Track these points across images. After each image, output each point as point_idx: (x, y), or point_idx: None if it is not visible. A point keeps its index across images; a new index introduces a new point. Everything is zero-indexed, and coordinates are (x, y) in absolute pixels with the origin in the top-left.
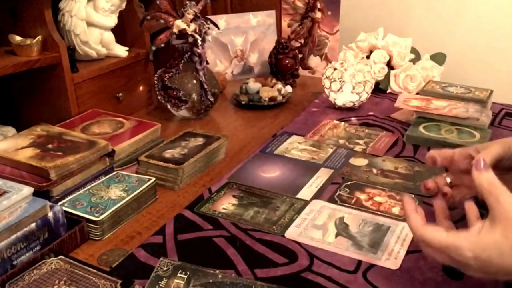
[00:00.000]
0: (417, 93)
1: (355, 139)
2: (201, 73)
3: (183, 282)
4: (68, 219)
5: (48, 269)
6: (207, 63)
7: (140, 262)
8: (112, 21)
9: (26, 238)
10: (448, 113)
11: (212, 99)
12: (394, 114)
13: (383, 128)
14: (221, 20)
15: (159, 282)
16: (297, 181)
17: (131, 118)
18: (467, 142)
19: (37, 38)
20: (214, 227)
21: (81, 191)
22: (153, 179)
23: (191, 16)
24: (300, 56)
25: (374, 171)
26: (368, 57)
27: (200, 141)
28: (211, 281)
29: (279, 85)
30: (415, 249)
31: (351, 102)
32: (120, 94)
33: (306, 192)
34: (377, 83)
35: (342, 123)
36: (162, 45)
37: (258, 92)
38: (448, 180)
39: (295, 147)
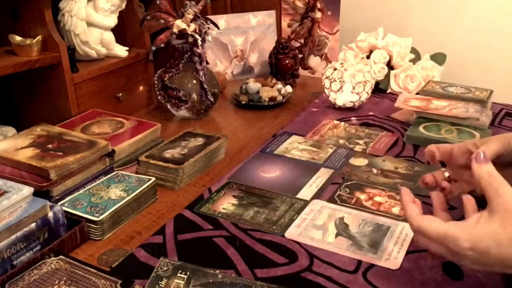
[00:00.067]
0: (417, 93)
1: (355, 139)
2: (201, 73)
3: (183, 282)
4: (68, 219)
5: (48, 269)
6: (207, 63)
7: (140, 262)
8: (112, 21)
9: (26, 238)
10: (448, 113)
11: (212, 99)
12: (394, 114)
13: (383, 128)
14: (221, 20)
15: (159, 282)
16: (297, 181)
17: (131, 118)
18: None
19: (37, 38)
20: (214, 227)
21: (81, 191)
22: (153, 179)
23: (191, 16)
24: (300, 56)
25: (374, 171)
26: (368, 57)
27: (200, 141)
28: (211, 281)
29: (279, 85)
30: (415, 249)
31: (351, 102)
32: (120, 94)
33: (306, 192)
34: (377, 83)
35: (342, 123)
36: (162, 45)
37: (258, 92)
38: (447, 174)
39: (295, 147)
